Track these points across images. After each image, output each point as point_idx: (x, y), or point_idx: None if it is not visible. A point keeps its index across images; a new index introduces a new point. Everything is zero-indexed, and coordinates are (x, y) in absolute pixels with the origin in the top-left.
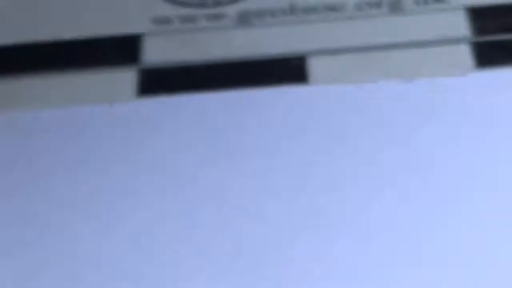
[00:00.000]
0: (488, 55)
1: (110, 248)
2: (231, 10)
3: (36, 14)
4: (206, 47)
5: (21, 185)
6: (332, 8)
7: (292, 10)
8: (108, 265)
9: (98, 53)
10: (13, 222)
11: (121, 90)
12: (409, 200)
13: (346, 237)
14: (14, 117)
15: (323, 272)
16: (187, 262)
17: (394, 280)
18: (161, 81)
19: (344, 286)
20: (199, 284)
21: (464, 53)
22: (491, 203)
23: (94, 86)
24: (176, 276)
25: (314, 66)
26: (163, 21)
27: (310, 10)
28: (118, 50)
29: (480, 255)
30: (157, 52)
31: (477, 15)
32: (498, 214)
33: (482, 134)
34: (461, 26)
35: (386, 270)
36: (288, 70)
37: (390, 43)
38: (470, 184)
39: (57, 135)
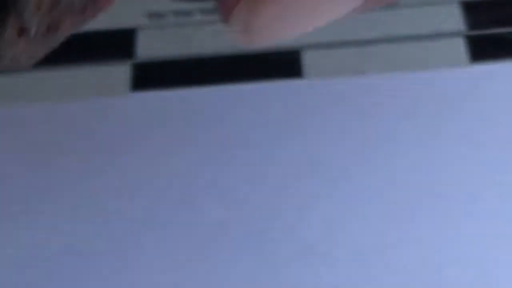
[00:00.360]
0: (482, 49)
1: (104, 241)
2: None
3: None
4: (200, 42)
5: (19, 177)
6: None
7: None
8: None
9: (92, 48)
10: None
11: (115, 84)
12: (408, 191)
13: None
14: (7, 111)
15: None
16: (183, 255)
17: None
18: (154, 75)
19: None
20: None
21: (459, 47)
22: (486, 195)
23: (88, 81)
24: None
25: (309, 60)
26: (157, 15)
27: None
28: (112, 45)
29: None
30: (151, 46)
31: (472, 9)
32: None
33: (477, 126)
34: (456, 20)
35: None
36: (283, 64)
37: (384, 37)
38: (466, 176)
39: (50, 128)
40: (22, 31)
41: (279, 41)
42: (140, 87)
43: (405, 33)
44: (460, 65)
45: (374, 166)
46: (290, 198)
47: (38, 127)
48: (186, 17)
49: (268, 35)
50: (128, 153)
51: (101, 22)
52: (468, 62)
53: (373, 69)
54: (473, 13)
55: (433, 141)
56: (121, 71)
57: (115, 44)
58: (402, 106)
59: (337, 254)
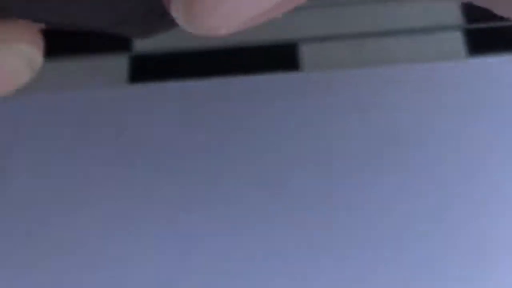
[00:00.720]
0: (480, 42)
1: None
2: None
3: None
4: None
5: (13, 169)
6: None
7: None
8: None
9: (89, 39)
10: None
11: (113, 76)
12: (407, 182)
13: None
14: (8, 101)
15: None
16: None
17: None
18: (152, 68)
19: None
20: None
21: (457, 40)
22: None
23: (85, 72)
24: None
25: (306, 53)
26: None
27: None
28: (109, 36)
29: None
30: (148, 39)
31: (470, 3)
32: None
33: (475, 120)
34: (454, 13)
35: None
36: (280, 57)
37: (382, 30)
38: (465, 167)
39: (49, 118)
40: None
41: (222, 32)
42: (138, 79)
43: (403, 26)
44: (458, 59)
45: (371, 158)
46: (287, 190)
47: (34, 119)
48: None
49: (211, 17)
50: (124, 145)
51: None
52: (466, 55)
53: (370, 62)
54: (471, 7)
55: (431, 133)
56: (119, 63)
57: (112, 36)
58: (399, 100)
59: (336, 247)
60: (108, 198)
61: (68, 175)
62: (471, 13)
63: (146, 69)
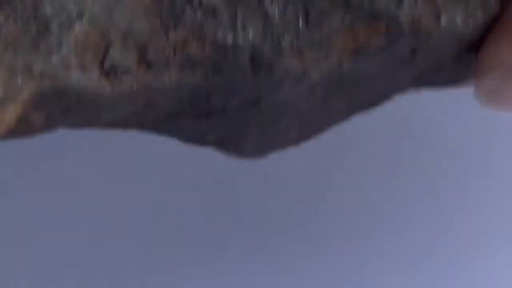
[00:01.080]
0: None
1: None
2: None
3: None
4: None
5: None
6: None
7: None
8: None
9: None
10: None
11: None
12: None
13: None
14: None
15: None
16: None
17: None
18: None
19: None
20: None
21: None
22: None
23: None
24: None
25: None
26: None
27: None
28: None
29: None
30: None
31: None
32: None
33: (474, 111)
34: None
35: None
36: None
37: None
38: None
39: None
40: None
41: None
42: None
43: None
44: None
45: (376, 151)
46: (288, 184)
47: None
48: None
49: None
50: (116, 137)
51: None
52: None
53: None
54: None
55: (436, 125)
56: None
57: None
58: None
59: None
60: (101, 192)
61: (57, 168)
62: None
63: None
